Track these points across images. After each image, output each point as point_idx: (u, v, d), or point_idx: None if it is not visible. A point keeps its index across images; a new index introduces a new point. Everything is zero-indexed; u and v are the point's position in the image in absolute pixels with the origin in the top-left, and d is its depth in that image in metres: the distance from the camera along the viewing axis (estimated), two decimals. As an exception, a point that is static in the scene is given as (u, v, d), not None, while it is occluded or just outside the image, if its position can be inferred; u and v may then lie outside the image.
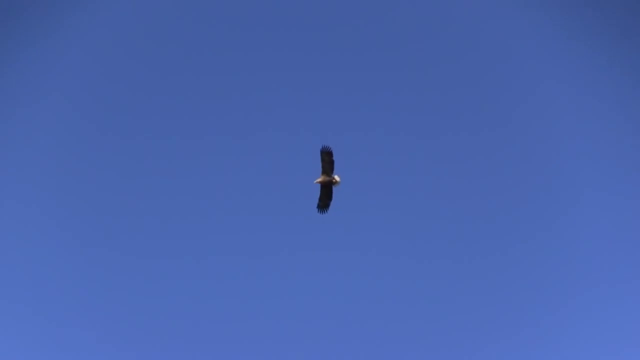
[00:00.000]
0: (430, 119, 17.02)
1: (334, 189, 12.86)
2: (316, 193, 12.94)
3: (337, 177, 12.76)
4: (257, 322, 15.72)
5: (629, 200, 15.71)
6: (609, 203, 15.83)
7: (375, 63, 17.13)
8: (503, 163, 16.74)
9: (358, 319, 15.84)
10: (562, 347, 15.32)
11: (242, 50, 17.24)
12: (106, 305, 15.70)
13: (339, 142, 12.89)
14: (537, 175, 16.40)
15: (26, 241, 15.79)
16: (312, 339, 15.65)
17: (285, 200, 16.26)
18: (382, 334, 15.74)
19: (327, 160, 12.60)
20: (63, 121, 16.42)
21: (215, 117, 17.04)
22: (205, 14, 17.22)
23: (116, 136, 16.82)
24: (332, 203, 12.91)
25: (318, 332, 15.69)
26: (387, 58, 17.12)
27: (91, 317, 15.59)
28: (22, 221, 15.85)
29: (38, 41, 16.09)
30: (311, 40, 17.46)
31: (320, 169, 12.79)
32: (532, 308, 15.78)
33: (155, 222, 16.47)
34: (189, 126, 16.96)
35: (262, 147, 16.82)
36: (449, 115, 16.98)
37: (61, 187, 16.31)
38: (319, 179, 12.71)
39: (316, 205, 12.89)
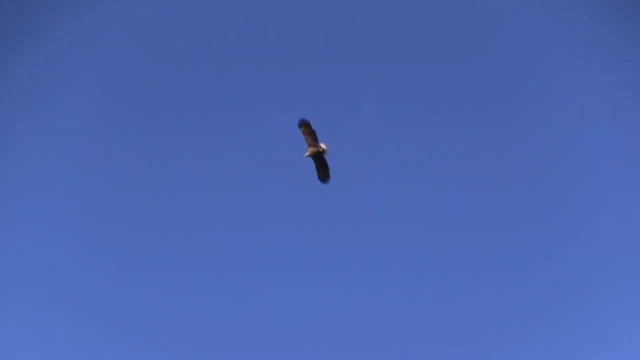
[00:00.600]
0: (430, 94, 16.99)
1: (327, 157, 12.59)
2: (310, 168, 12.71)
3: (323, 146, 12.51)
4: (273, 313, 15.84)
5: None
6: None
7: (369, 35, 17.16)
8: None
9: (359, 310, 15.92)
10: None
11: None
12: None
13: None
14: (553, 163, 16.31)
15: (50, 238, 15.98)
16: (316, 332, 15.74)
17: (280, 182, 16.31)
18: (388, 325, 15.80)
19: (308, 132, 12.37)
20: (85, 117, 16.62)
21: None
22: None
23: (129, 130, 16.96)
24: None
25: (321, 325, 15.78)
26: (383, 30, 17.13)
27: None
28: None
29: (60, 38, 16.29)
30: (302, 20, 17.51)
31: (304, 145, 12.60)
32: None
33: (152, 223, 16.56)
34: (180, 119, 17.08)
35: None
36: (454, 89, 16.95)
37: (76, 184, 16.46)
38: (307, 153, 12.48)
39: (317, 178, 12.68)
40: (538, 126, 16.59)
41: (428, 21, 17.10)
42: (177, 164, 16.81)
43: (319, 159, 12.55)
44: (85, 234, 16.17)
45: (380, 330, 15.63)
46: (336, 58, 17.08)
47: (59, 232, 15.98)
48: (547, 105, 16.57)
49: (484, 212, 16.36)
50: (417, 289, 15.93)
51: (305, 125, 12.37)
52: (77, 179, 16.40)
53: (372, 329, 15.66)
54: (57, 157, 16.23)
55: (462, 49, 16.85)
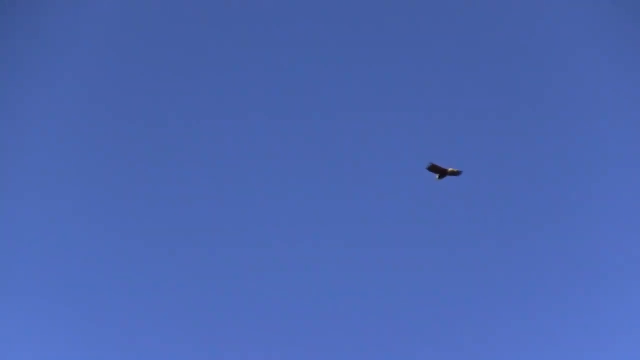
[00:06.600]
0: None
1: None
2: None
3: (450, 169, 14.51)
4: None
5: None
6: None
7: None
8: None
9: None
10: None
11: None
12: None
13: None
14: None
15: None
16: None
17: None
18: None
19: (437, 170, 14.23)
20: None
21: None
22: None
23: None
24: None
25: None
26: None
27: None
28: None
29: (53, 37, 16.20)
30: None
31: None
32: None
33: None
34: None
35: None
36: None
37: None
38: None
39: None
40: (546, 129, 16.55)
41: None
42: (177, 163, 16.81)
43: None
44: (84, 233, 16.18)
45: (380, 330, 15.63)
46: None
47: (58, 231, 15.99)
48: (551, 105, 16.54)
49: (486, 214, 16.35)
50: (418, 289, 15.92)
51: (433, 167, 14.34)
52: (76, 178, 16.41)
53: (372, 329, 15.66)
54: (55, 155, 16.23)
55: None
